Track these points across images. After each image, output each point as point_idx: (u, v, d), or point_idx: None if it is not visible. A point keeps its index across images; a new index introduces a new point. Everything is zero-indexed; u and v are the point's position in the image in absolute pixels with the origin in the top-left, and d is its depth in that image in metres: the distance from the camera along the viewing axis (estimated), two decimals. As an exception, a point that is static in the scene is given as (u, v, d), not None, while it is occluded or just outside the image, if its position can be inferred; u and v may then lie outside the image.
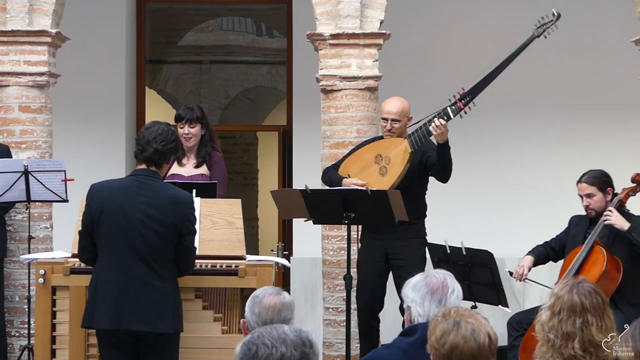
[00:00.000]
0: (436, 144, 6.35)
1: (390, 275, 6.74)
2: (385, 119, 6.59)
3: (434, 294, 3.72)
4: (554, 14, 6.54)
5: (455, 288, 3.75)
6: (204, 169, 6.76)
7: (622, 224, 6.23)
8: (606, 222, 6.27)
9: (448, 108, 6.36)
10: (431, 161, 6.52)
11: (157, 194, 5.13)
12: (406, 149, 6.46)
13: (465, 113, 6.43)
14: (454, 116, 6.34)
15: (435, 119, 6.28)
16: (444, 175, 6.50)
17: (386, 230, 6.52)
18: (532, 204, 8.89)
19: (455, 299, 3.72)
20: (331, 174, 6.66)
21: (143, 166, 5.19)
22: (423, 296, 3.73)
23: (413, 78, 8.76)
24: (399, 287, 6.58)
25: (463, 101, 6.38)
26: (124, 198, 5.11)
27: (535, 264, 6.61)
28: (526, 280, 6.56)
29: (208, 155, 6.77)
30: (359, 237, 6.79)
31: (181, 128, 6.72)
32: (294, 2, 9.37)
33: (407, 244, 6.57)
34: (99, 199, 5.14)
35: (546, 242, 6.71)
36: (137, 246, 5.06)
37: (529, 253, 6.66)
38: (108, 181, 5.31)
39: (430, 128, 6.28)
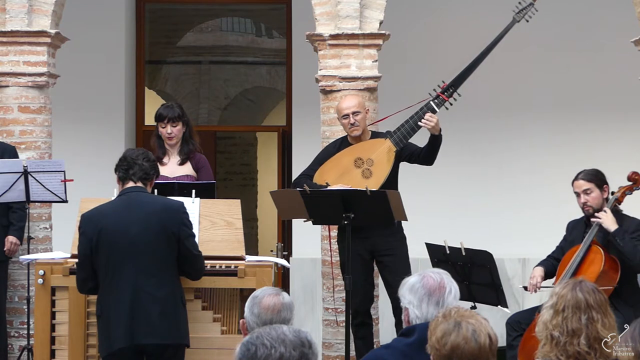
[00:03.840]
0: (430, 135, 6.44)
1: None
2: (346, 115, 6.64)
3: (431, 296, 3.70)
4: None
5: (452, 288, 3.74)
6: (188, 168, 6.73)
7: (610, 225, 6.22)
8: (596, 221, 6.27)
9: (432, 102, 6.49)
10: (409, 150, 6.60)
11: (148, 206, 5.19)
12: (390, 149, 6.52)
13: (451, 104, 6.55)
14: (438, 109, 6.46)
15: (426, 114, 6.37)
16: (431, 160, 6.60)
17: (368, 228, 6.54)
18: (532, 205, 8.89)
19: (452, 299, 3.71)
20: (307, 184, 6.59)
21: (130, 184, 5.25)
22: (420, 298, 3.71)
23: (412, 78, 8.75)
24: (387, 282, 6.63)
25: (446, 93, 6.50)
26: (118, 217, 5.15)
27: (546, 276, 6.58)
28: (541, 289, 6.52)
29: (191, 152, 6.75)
30: (337, 239, 6.83)
31: (163, 127, 6.70)
32: (294, 3, 9.37)
33: (392, 240, 6.63)
34: (93, 225, 5.16)
35: (549, 256, 6.69)
36: (138, 261, 5.09)
37: (539, 265, 6.64)
38: (98, 207, 5.33)
39: (421, 123, 6.38)
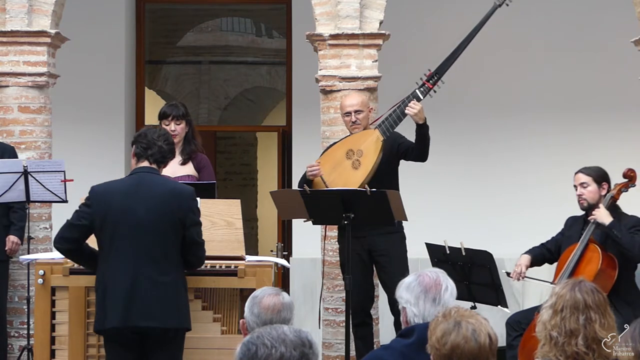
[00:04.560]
0: (415, 124, 6.46)
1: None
2: (348, 113, 6.68)
3: (427, 293, 3.72)
4: None
5: (448, 285, 3.76)
6: (189, 168, 6.73)
7: (605, 218, 6.23)
8: (590, 218, 6.29)
9: (417, 90, 6.54)
10: (404, 147, 6.63)
11: (158, 188, 5.17)
12: (377, 138, 6.53)
13: (435, 92, 6.58)
14: (423, 97, 6.55)
15: (411, 102, 6.42)
16: (424, 154, 6.60)
17: (367, 228, 6.55)
18: (532, 205, 8.89)
19: (449, 296, 3.73)
20: (301, 178, 6.67)
21: (144, 163, 5.22)
22: (417, 296, 3.73)
23: (412, 78, 8.74)
24: (384, 282, 6.65)
25: (431, 81, 6.58)
26: (127, 196, 5.15)
27: (532, 264, 6.61)
28: (525, 279, 6.55)
29: (193, 152, 6.75)
30: (338, 238, 6.84)
31: (166, 125, 6.70)
32: (294, 3, 9.37)
33: (389, 239, 6.64)
34: (101, 201, 5.15)
35: (542, 244, 6.71)
36: (143, 243, 5.08)
37: (527, 252, 6.66)
38: (109, 182, 5.32)
39: (406, 111, 6.41)
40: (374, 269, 6.80)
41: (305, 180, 6.54)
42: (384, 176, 6.53)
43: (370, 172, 6.46)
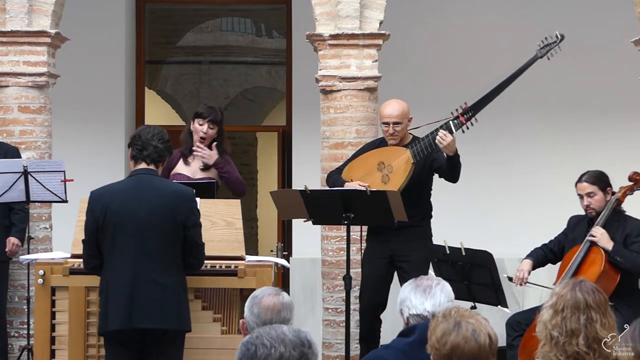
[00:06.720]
0: (445, 156, 6.35)
1: (395, 277, 6.73)
2: (387, 123, 6.53)
3: (418, 287, 3.89)
4: (557, 36, 6.55)
5: (440, 281, 3.93)
6: (212, 173, 6.74)
7: (606, 244, 6.22)
8: (589, 239, 6.27)
9: (450, 122, 6.36)
10: (437, 164, 6.51)
11: (158, 190, 5.17)
12: (408, 160, 6.44)
13: (468, 128, 6.45)
14: (455, 130, 6.34)
15: (441, 131, 6.27)
16: (454, 179, 6.54)
17: (391, 232, 6.50)
18: (532, 205, 8.89)
19: (440, 290, 3.86)
20: (335, 178, 6.64)
21: (142, 165, 5.22)
22: (409, 291, 3.89)
23: (412, 79, 8.75)
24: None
25: (465, 116, 6.39)
26: (127, 198, 5.14)
27: (534, 267, 6.60)
28: (527, 284, 6.54)
29: (217, 163, 6.75)
30: (366, 238, 6.80)
31: (200, 125, 6.72)
32: (294, 3, 9.37)
33: (413, 246, 6.55)
34: (101, 203, 5.15)
35: (544, 245, 6.70)
36: (143, 244, 5.08)
37: (528, 257, 6.64)
38: (108, 185, 5.31)
39: (436, 142, 6.27)
40: (395, 275, 6.71)
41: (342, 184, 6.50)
42: (416, 188, 6.45)
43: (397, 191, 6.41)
